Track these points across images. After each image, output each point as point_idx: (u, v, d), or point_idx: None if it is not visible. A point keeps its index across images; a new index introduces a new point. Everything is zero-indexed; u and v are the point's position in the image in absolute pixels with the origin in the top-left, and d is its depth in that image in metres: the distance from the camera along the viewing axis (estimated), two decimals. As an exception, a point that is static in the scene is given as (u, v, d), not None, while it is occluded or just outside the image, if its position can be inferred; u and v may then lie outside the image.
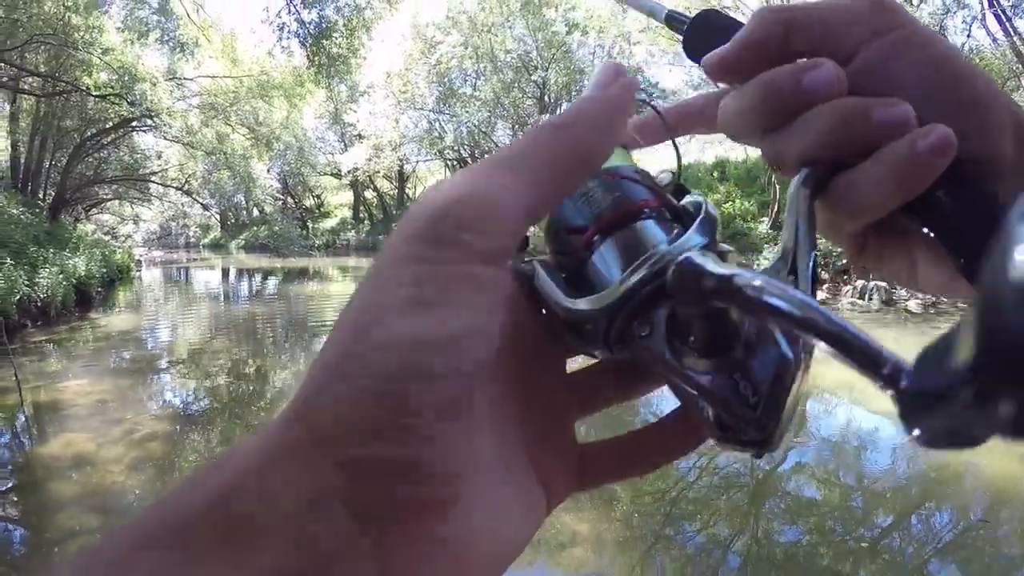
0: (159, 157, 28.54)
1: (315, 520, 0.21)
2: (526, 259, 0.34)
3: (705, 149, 25.31)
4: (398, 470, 0.22)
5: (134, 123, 20.93)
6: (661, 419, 0.34)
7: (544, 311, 0.33)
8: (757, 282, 0.25)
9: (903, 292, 13.59)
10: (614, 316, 0.30)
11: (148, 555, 0.20)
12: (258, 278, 23.47)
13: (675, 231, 0.32)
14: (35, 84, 18.44)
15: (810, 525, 4.23)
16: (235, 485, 0.22)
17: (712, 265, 0.27)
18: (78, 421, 6.30)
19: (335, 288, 18.49)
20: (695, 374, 0.30)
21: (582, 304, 0.31)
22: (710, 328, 0.29)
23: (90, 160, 23.90)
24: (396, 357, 0.22)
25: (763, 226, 18.52)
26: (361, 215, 34.93)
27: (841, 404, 6.89)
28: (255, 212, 40.46)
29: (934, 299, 13.12)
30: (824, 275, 15.41)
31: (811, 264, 0.33)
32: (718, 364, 0.30)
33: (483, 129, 25.31)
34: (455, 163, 30.45)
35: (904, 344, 9.96)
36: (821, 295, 13.89)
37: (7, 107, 20.03)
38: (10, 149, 20.26)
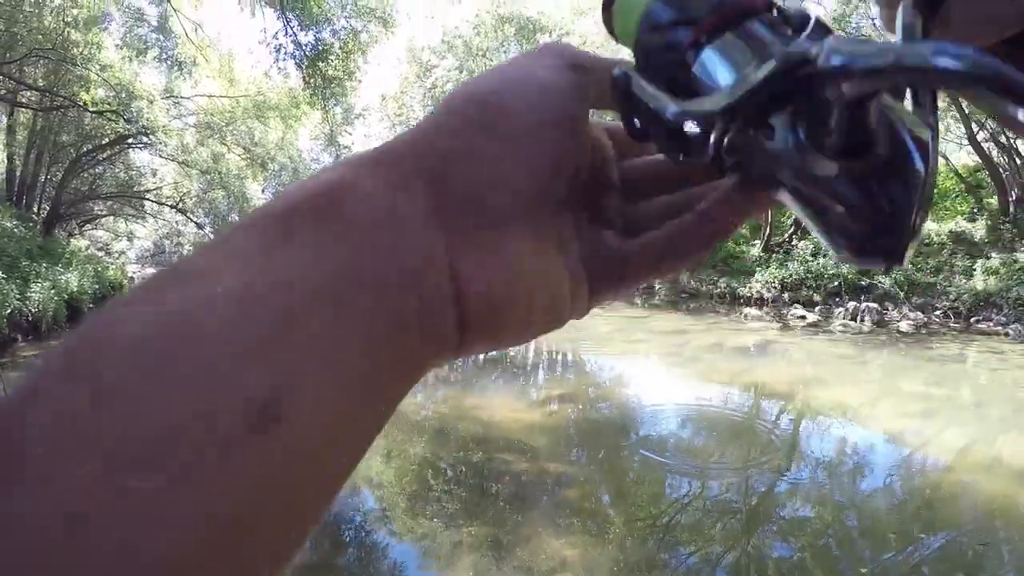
0: (154, 175, 28.50)
1: (403, 208, 0.25)
2: (616, 70, 0.31)
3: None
4: (485, 189, 0.27)
5: (130, 140, 20.91)
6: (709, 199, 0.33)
7: (639, 122, 0.30)
8: (918, 47, 0.22)
9: (895, 313, 13.66)
10: (733, 117, 0.27)
11: (248, 232, 0.23)
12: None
13: (789, 34, 0.29)
14: (33, 98, 18.45)
15: (804, 548, 4.23)
16: (339, 180, 0.25)
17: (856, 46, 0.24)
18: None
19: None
20: (824, 178, 0.27)
21: (696, 105, 0.28)
22: (846, 127, 0.26)
23: (85, 175, 23.85)
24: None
25: (755, 249, 18.60)
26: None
27: (835, 424, 6.90)
28: (250, 232, 40.32)
29: (925, 320, 13.19)
30: (816, 297, 15.49)
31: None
32: (851, 169, 0.27)
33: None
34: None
35: (893, 365, 10.02)
36: (812, 317, 13.94)
37: (4, 120, 20.02)
38: (6, 162, 20.24)
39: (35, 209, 20.25)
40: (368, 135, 27.29)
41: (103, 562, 0.17)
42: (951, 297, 13.79)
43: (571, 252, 0.31)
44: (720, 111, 0.27)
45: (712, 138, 0.28)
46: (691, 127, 0.28)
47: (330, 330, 0.22)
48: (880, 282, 14.62)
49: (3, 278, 10.94)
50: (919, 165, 0.27)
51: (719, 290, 17.82)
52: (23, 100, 18.35)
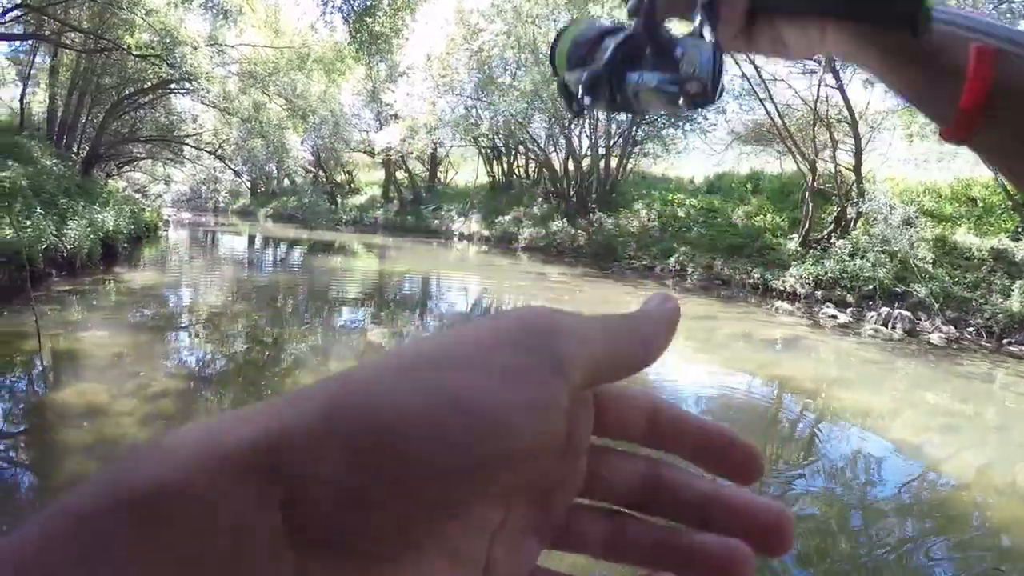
0: (195, 120, 28.70)
1: (248, 522, 0.20)
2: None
3: (740, 160, 25.11)
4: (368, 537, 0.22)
5: (172, 85, 21.06)
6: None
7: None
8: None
9: (927, 324, 13.43)
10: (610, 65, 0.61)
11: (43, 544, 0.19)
12: (283, 247, 23.57)
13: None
14: (77, 39, 18.58)
15: (808, 546, 4.19)
16: (167, 480, 0.20)
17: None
18: (94, 371, 6.36)
19: (359, 263, 18.55)
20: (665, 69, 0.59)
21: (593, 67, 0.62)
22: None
23: (126, 118, 24.09)
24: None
25: (792, 243, 18.33)
26: (391, 194, 34.90)
27: (855, 428, 6.82)
28: (286, 182, 40.58)
29: (957, 335, 12.95)
30: (849, 298, 15.26)
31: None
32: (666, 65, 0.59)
33: (519, 120, 25.23)
34: (489, 151, 30.36)
35: (920, 376, 9.86)
36: (844, 318, 13.75)
37: (48, 60, 20.21)
38: (48, 102, 20.45)
39: (75, 149, 20.48)
40: (411, 94, 27.13)
41: None
42: (985, 315, 13.49)
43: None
44: (604, 63, 0.61)
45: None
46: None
47: None
48: (915, 290, 14.36)
49: (41, 214, 11.08)
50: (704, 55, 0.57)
51: (752, 280, 17.63)
52: (67, 41, 18.49)
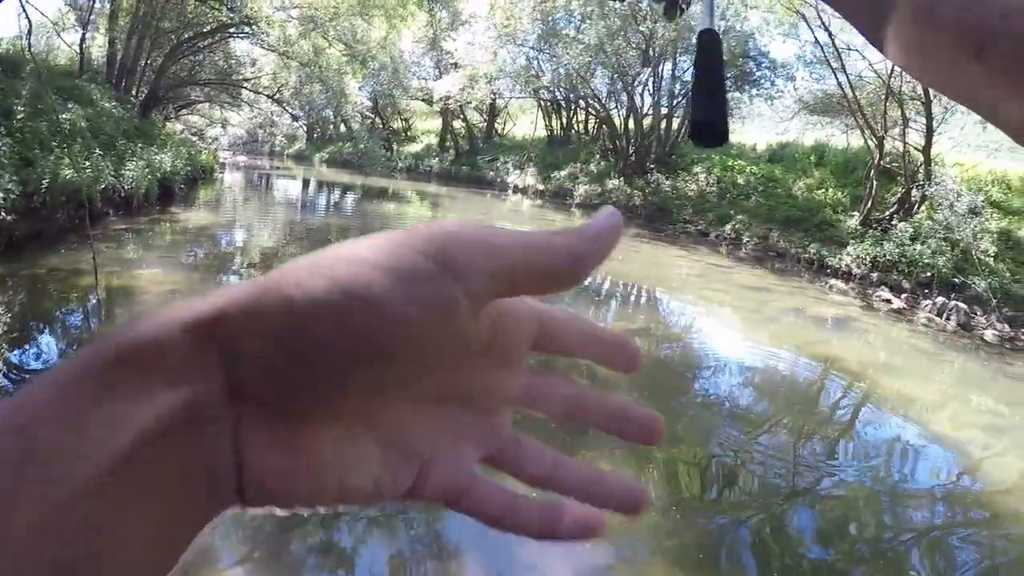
0: (253, 64, 28.89)
1: (204, 378, 0.25)
2: None
3: (806, 131, 24.51)
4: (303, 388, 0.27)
5: (232, 29, 21.14)
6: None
7: None
8: None
9: (982, 319, 13.02)
10: None
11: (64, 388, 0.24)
12: (337, 192, 23.77)
13: None
14: (137, -17, 18.70)
15: (833, 530, 4.21)
16: (150, 338, 0.25)
17: None
18: (147, 307, 6.51)
19: (412, 210, 18.65)
20: None
21: None
22: None
23: (184, 62, 24.32)
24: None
25: (853, 220, 17.90)
26: (447, 144, 34.91)
27: (897, 417, 6.71)
28: (342, 128, 40.80)
29: (1012, 334, 12.53)
30: (905, 284, 14.89)
31: None
32: None
33: (582, 74, 24.88)
34: (549, 104, 30.06)
35: (969, 372, 9.61)
36: (898, 303, 13.47)
37: (108, 5, 20.39)
38: (108, 46, 20.68)
39: (134, 92, 20.73)
40: (472, 43, 26.87)
41: None
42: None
43: (397, 436, 0.31)
44: None
45: None
46: None
47: (131, 486, 0.24)
48: (974, 283, 13.91)
49: (100, 155, 11.28)
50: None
51: (808, 255, 17.30)
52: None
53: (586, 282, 9.18)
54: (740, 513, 4.15)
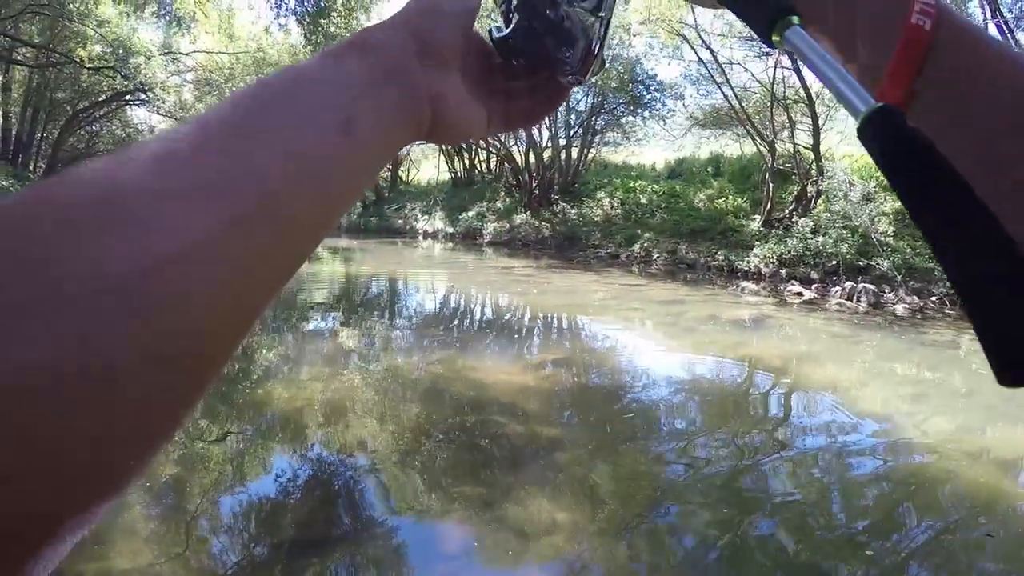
0: (152, 132, 28.35)
1: (406, 48, 0.42)
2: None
3: (700, 145, 25.29)
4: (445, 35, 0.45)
5: (127, 97, 20.79)
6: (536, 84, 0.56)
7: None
8: None
9: (891, 296, 13.64)
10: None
11: (322, 58, 0.40)
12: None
13: None
14: (28, 55, 18.28)
15: (788, 523, 4.24)
16: (371, 33, 0.42)
17: None
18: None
19: (325, 268, 18.45)
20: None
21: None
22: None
23: (82, 133, 23.78)
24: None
25: (755, 223, 18.53)
26: (353, 197, 34.83)
27: (826, 402, 6.91)
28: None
29: (921, 304, 13.18)
30: (813, 275, 15.47)
31: None
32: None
33: (478, 115, 25.18)
34: (449, 148, 30.31)
35: (887, 348, 10.02)
36: (809, 294, 13.94)
37: (0, 77, 19.87)
38: (1, 120, 20.10)
39: (31, 168, 20.13)
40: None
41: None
42: (948, 284, 13.73)
43: (479, 97, 0.49)
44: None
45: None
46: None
47: (373, 98, 0.38)
48: (878, 264, 14.59)
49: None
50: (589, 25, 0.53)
51: (717, 262, 17.81)
52: (19, 57, 18.18)
53: (507, 318, 9.18)
54: (689, 523, 4.14)
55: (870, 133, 0.38)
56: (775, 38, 0.46)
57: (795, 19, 0.45)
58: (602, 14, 0.52)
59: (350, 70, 0.38)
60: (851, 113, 0.39)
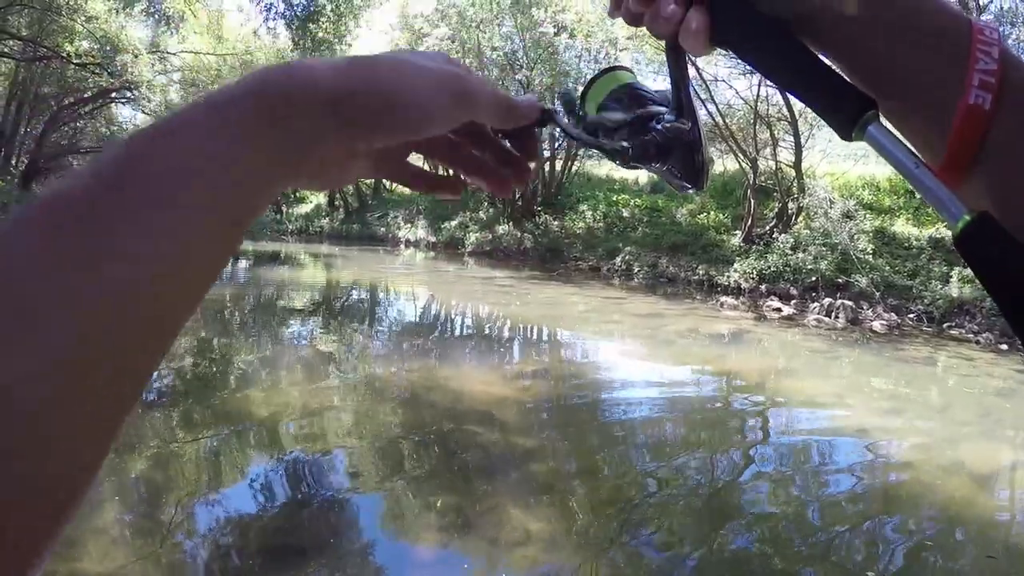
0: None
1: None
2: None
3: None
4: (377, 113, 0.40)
5: (113, 94, 20.70)
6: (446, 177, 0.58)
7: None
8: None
9: (869, 312, 13.77)
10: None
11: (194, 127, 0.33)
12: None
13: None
14: (15, 47, 18.15)
15: (764, 536, 4.27)
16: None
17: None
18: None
19: (306, 274, 18.38)
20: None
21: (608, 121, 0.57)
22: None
23: (66, 129, 23.60)
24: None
25: (736, 239, 18.66)
26: (336, 203, 34.66)
27: (803, 416, 6.97)
28: (229, 193, 39.96)
29: (899, 321, 13.32)
30: (792, 291, 15.59)
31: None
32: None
33: (464, 125, 25.22)
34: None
35: (864, 363, 10.12)
36: (788, 310, 14.05)
37: (-16, 70, 19.74)
38: (-16, 113, 19.96)
39: (13, 162, 19.98)
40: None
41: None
42: (926, 301, 13.95)
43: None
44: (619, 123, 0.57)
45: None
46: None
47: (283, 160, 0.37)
48: (856, 280, 14.73)
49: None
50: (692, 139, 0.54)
51: (697, 277, 17.92)
52: (5, 49, 18.06)
53: (487, 329, 9.19)
54: (663, 536, 4.14)
55: (968, 244, 0.39)
56: (855, 133, 0.44)
57: (876, 113, 0.44)
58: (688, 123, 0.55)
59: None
60: (944, 218, 0.40)
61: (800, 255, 16.19)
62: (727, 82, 20.45)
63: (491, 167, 0.56)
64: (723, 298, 15.55)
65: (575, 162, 26.34)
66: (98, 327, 0.27)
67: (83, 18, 16.64)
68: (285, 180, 0.38)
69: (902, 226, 17.07)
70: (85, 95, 21.17)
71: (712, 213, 20.69)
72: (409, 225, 28.71)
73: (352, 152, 0.43)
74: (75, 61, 17.24)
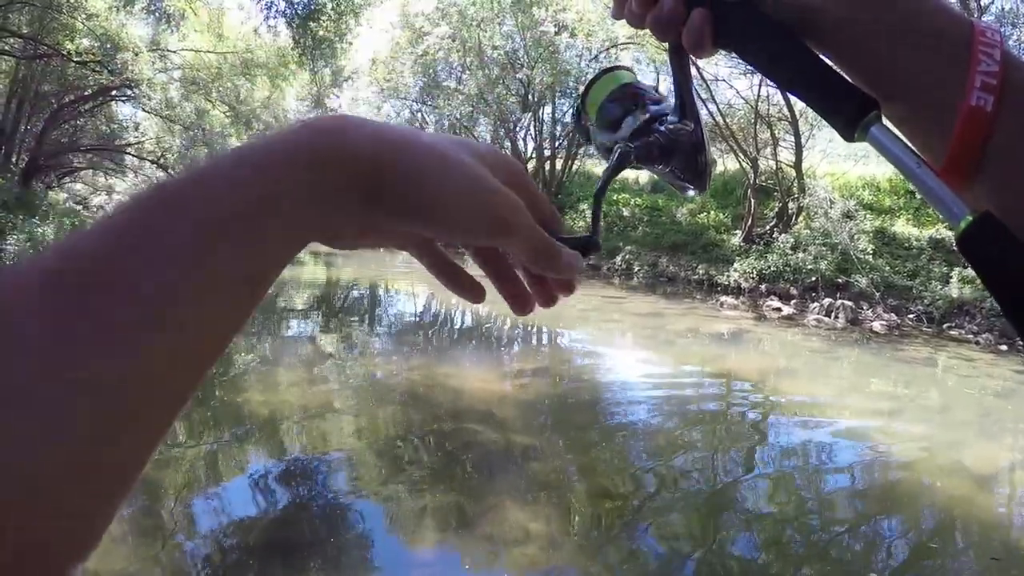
0: (136, 128, 28.17)
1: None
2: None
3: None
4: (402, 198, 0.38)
5: (114, 92, 20.65)
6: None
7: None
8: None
9: (869, 313, 13.77)
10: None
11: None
12: (226, 259, 23.14)
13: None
14: (16, 45, 18.11)
15: (764, 535, 4.26)
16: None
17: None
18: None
19: (306, 272, 18.39)
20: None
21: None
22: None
23: (66, 127, 23.54)
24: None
25: (736, 238, 18.64)
26: (337, 201, 34.77)
27: (802, 416, 6.96)
28: (229, 191, 40.00)
29: (899, 321, 13.31)
30: (792, 291, 15.58)
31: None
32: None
33: (465, 123, 25.29)
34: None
35: (864, 363, 10.12)
36: (788, 310, 14.04)
37: (-16, 68, 19.70)
38: (-16, 110, 19.92)
39: (13, 160, 19.94)
40: (356, 99, 27.10)
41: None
42: (925, 302, 13.96)
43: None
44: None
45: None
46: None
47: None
48: (856, 281, 14.73)
49: (-25, 229, 10.82)
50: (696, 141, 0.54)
51: (697, 276, 17.92)
52: (5, 47, 18.01)
53: (486, 327, 9.19)
54: (662, 534, 4.13)
55: (970, 245, 0.40)
56: (857, 134, 0.44)
57: (879, 114, 0.44)
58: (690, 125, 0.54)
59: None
60: (946, 219, 0.41)
61: (800, 255, 16.19)
62: (728, 82, 20.44)
63: (522, 286, 0.53)
64: (723, 298, 15.55)
65: (575, 161, 26.33)
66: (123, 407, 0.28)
67: (83, 16, 16.59)
68: (301, 244, 0.37)
69: (902, 226, 17.06)
70: (85, 93, 21.11)
71: (712, 213, 20.67)
72: (409, 224, 28.75)
73: (375, 224, 0.41)
74: (75, 59, 17.20)
